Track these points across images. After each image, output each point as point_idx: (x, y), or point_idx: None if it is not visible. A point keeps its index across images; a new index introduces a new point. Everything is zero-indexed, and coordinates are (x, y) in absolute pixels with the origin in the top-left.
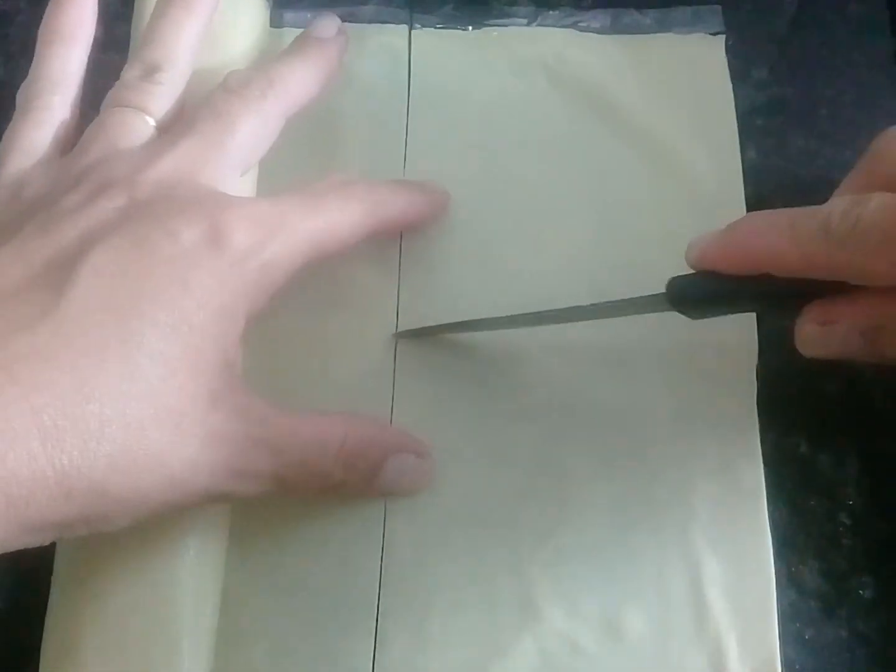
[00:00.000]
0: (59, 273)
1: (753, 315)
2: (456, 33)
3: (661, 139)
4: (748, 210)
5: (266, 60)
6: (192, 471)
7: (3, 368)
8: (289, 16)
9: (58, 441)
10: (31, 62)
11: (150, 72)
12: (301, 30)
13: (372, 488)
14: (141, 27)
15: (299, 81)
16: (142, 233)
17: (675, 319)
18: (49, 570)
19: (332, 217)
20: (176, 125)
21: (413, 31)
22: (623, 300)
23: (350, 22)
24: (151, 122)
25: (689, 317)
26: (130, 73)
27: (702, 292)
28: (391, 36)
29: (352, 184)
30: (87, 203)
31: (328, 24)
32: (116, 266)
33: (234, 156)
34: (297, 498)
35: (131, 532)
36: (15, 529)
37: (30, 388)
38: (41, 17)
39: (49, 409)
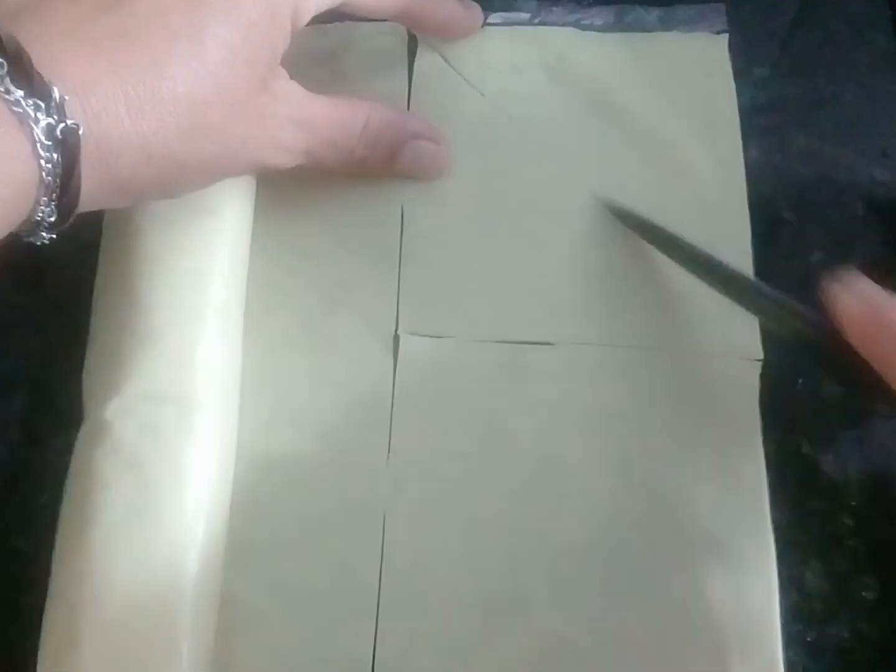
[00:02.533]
0: None
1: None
2: None
3: (664, 138)
4: (750, 209)
5: None
6: (242, 143)
7: (93, 43)
8: None
9: (140, 110)
10: None
11: None
12: (302, 29)
13: (391, 167)
14: None
15: None
16: None
17: (675, 320)
18: (48, 570)
19: None
20: None
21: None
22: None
23: (350, 21)
24: None
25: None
26: None
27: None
28: (391, 36)
29: None
30: None
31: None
32: None
33: None
34: (323, 174)
35: (132, 532)
36: (106, 185)
37: (117, 63)
38: None
39: (132, 81)
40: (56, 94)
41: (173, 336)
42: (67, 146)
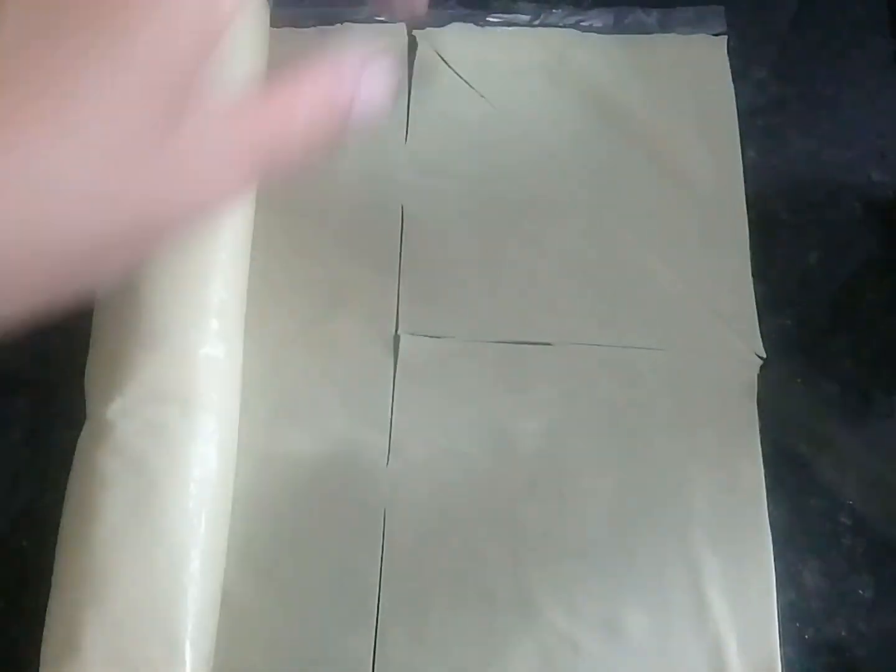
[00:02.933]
0: None
1: (755, 315)
2: (457, 33)
3: (663, 139)
4: (748, 209)
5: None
6: (154, 208)
7: None
8: (289, 16)
9: (25, 204)
10: None
11: None
12: (301, 29)
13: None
14: None
15: None
16: None
17: (675, 320)
18: (49, 570)
19: None
20: None
21: (413, 31)
22: None
23: (350, 22)
24: None
25: None
26: None
27: None
28: (391, 36)
29: None
30: None
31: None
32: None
33: None
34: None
35: (134, 531)
36: None
37: None
38: None
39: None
40: None
41: (175, 336)
42: None
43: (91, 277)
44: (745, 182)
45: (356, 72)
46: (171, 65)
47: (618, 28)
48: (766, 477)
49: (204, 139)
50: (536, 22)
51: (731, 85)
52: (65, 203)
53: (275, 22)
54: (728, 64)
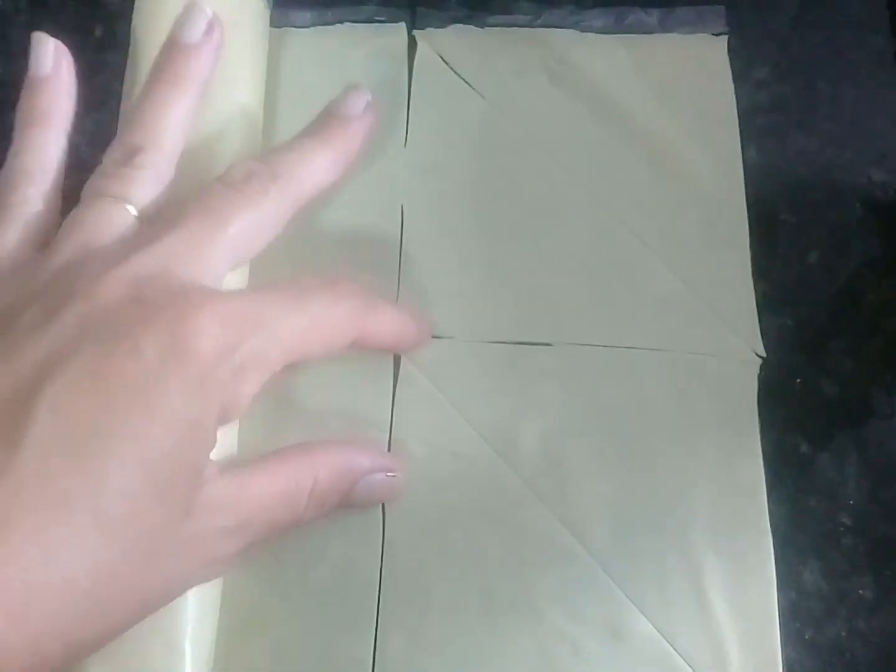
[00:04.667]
0: (15, 414)
1: (755, 314)
2: (457, 33)
3: (663, 139)
4: (748, 209)
5: (277, 147)
6: (165, 591)
7: None
8: (289, 16)
9: (24, 617)
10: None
11: (131, 155)
12: (302, 29)
13: (338, 507)
14: (140, 28)
15: (313, 172)
16: (102, 351)
17: (675, 320)
18: None
19: (319, 315)
20: (162, 214)
21: (414, 31)
22: None
23: (350, 22)
24: (133, 211)
25: None
26: (110, 157)
27: None
28: (391, 36)
29: (343, 282)
30: (49, 318)
31: (356, 101)
32: (75, 398)
33: (222, 252)
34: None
35: None
36: None
37: None
38: (41, 17)
39: (15, 583)
40: None
41: None
42: None
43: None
44: (746, 182)
45: (373, 456)
46: (192, 451)
47: (618, 28)
48: (766, 476)
49: (208, 521)
50: (537, 22)
51: (732, 84)
52: (90, 609)
53: (275, 22)
54: (728, 64)
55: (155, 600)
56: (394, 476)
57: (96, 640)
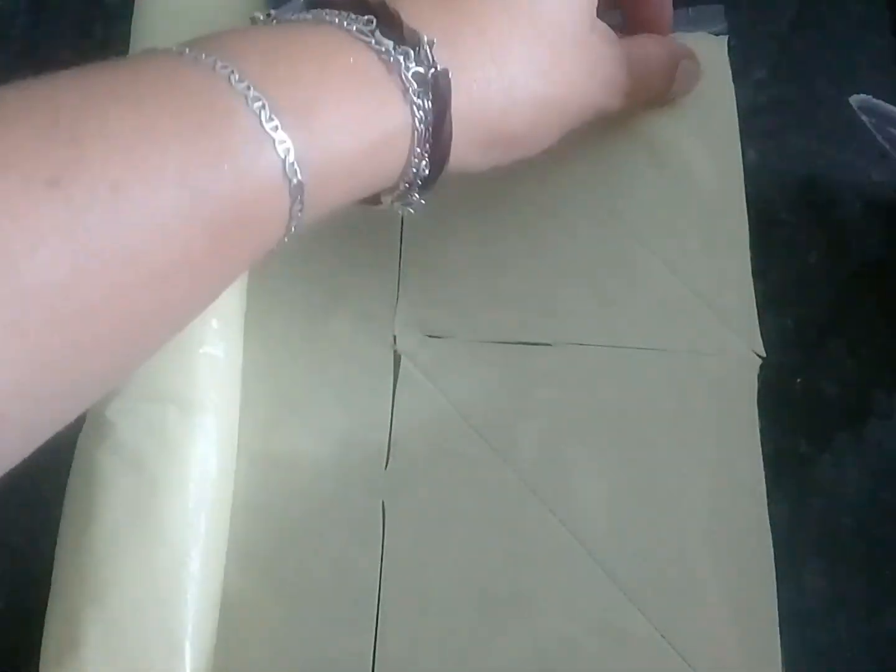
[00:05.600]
0: None
1: (755, 314)
2: None
3: (663, 138)
4: (748, 209)
5: None
6: (585, 83)
7: (456, 8)
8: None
9: (504, 60)
10: (32, 62)
11: None
12: None
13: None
14: (141, 27)
15: None
16: None
17: (675, 320)
18: (49, 570)
19: None
20: None
21: None
22: None
23: None
24: None
25: None
26: None
27: None
28: None
29: None
30: None
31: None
32: None
33: None
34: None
35: (133, 531)
36: (478, 136)
37: (478, 24)
38: (41, 17)
39: (494, 34)
40: (425, 40)
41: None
42: (438, 91)
43: (540, 139)
44: (746, 181)
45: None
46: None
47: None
48: (766, 477)
49: (607, 48)
50: None
51: (732, 84)
52: (545, 68)
53: None
54: (728, 63)
55: (581, 98)
56: (693, 61)
57: (546, 112)
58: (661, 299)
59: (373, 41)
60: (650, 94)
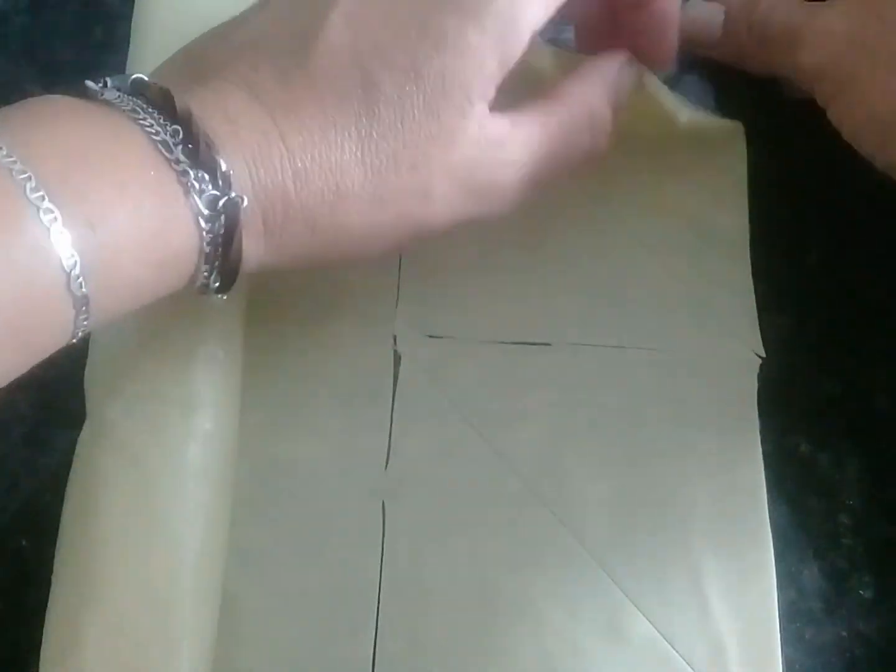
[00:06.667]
0: (311, 20)
1: (755, 315)
2: None
3: (663, 138)
4: (749, 210)
5: None
6: (425, 204)
7: (267, 113)
8: None
9: (305, 181)
10: (32, 62)
11: None
12: None
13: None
14: (141, 27)
15: None
16: None
17: (674, 320)
18: (49, 570)
19: None
20: None
21: None
22: None
23: None
24: None
25: None
26: None
27: None
28: None
29: None
30: None
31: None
32: (362, 11)
33: None
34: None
35: (133, 531)
36: (271, 253)
37: (287, 133)
38: (41, 17)
39: (299, 152)
40: (223, 167)
41: (175, 336)
42: (229, 218)
43: (350, 260)
44: (747, 181)
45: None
46: (459, 89)
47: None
48: (766, 476)
49: (475, 158)
50: (546, 38)
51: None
52: (358, 192)
53: None
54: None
55: (420, 220)
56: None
57: (360, 233)
58: (660, 299)
59: (174, 159)
60: (587, 158)
